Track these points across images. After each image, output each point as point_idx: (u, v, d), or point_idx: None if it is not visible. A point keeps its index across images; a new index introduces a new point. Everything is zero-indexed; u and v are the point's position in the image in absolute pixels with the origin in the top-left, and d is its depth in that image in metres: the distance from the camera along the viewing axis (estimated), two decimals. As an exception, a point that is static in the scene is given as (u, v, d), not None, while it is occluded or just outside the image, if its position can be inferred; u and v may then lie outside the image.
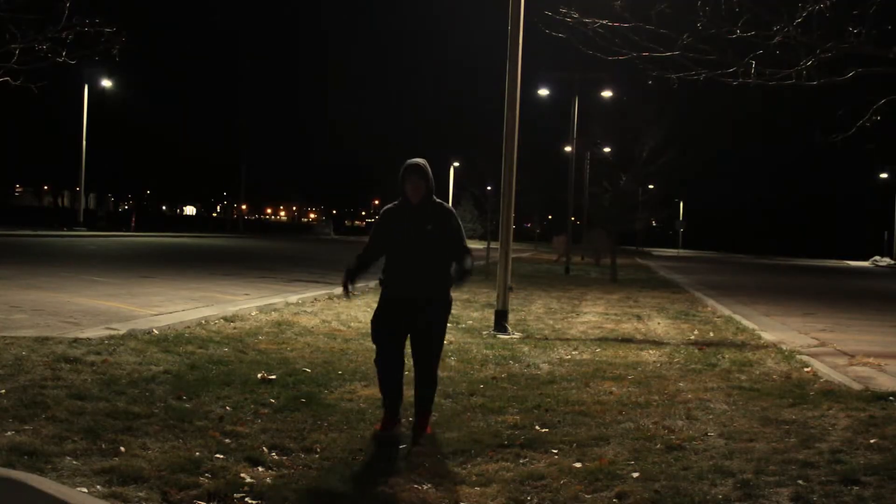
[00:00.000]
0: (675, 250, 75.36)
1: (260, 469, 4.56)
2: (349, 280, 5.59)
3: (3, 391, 5.77)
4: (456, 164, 64.73)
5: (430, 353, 5.51)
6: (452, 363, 8.12)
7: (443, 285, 5.47)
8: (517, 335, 10.71)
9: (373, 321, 5.60)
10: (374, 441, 5.25)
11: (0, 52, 10.73)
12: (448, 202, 6.01)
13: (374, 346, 5.67)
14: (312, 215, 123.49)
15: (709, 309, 15.83)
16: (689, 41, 9.21)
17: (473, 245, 5.12)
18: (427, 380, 5.53)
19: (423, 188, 5.43)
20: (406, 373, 5.64)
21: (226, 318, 10.39)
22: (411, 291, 5.41)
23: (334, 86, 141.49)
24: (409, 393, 5.70)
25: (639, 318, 13.66)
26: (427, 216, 5.44)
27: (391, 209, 5.64)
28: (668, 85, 9.93)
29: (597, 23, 9.44)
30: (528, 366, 8.34)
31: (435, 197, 5.52)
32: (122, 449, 4.66)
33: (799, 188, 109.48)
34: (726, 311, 15.17)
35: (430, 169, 5.50)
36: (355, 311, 11.91)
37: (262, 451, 4.86)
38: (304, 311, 11.78)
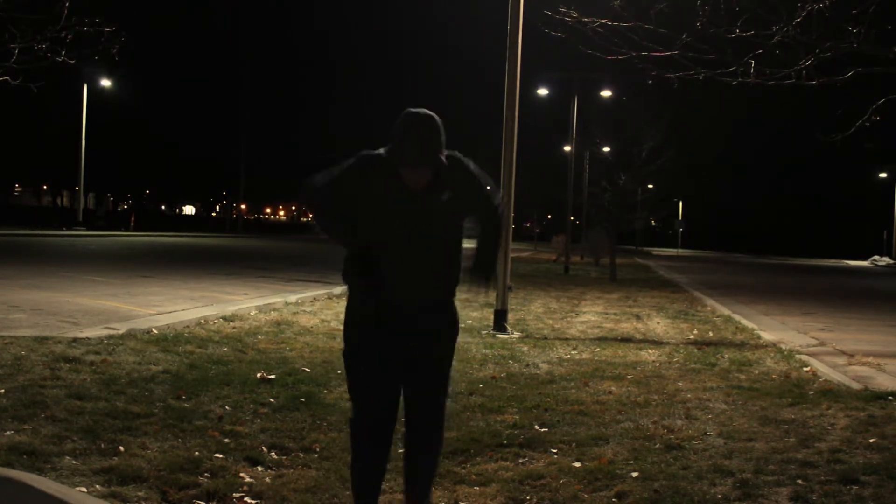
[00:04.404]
0: (675, 250, 75.45)
1: (259, 469, 4.56)
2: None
3: (3, 391, 5.76)
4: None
5: (434, 400, 3.51)
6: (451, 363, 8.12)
7: (453, 289, 3.49)
8: (516, 335, 10.71)
9: (347, 354, 3.45)
10: None
11: (0, 52, 10.75)
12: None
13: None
14: (312, 215, 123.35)
15: (708, 308, 15.84)
16: (689, 41, 9.24)
17: (473, 245, 3.69)
18: (429, 443, 3.54)
19: (430, 175, 3.30)
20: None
21: (225, 318, 10.38)
22: (411, 299, 3.37)
23: (334, 85, 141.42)
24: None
25: (638, 317, 13.67)
26: (438, 184, 3.33)
27: (374, 162, 3.39)
28: (667, 84, 9.96)
29: (596, 22, 9.47)
30: (528, 365, 8.34)
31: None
32: (122, 448, 4.66)
33: (798, 188, 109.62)
34: (725, 311, 15.17)
35: (442, 128, 3.29)
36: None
37: (262, 450, 4.85)
38: (304, 311, 11.78)
